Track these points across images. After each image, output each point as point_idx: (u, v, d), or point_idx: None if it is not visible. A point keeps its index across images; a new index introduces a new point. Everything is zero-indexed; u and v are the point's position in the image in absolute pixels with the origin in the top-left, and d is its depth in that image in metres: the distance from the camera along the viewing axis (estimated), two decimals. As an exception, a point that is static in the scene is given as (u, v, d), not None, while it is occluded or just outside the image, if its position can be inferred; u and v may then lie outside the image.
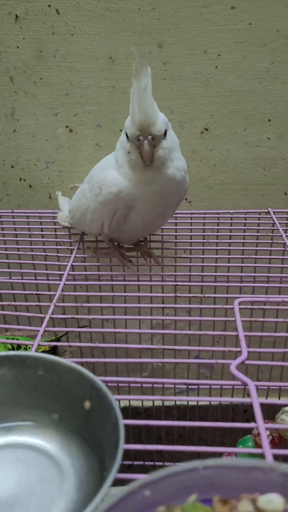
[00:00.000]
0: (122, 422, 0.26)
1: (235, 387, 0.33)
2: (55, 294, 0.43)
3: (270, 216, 0.61)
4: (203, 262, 0.51)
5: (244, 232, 0.59)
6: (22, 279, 0.54)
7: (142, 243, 0.53)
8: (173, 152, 0.44)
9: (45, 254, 0.55)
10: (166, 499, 0.20)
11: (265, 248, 0.55)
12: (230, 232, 0.58)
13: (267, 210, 0.64)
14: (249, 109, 0.70)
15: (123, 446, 0.24)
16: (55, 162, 0.73)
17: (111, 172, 0.46)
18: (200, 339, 0.68)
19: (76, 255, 0.52)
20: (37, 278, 0.56)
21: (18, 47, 0.66)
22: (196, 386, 0.68)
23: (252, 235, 0.59)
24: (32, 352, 0.31)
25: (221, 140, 0.72)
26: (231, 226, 0.62)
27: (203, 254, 0.55)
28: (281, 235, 0.55)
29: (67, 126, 0.71)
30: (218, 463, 0.21)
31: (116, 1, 0.64)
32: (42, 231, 0.61)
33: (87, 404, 0.28)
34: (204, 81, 0.68)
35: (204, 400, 0.68)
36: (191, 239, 0.58)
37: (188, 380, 0.35)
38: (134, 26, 0.65)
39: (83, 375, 0.29)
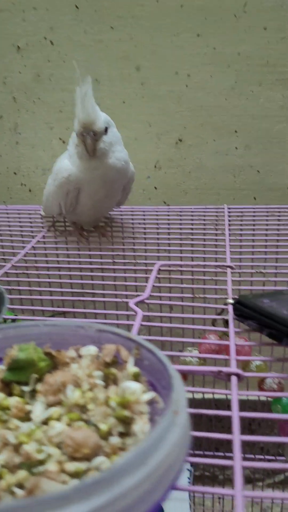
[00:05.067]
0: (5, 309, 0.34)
1: (129, 315, 0.40)
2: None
3: (223, 210, 0.69)
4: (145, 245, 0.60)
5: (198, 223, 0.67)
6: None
7: (102, 225, 0.63)
8: (114, 145, 0.55)
9: (22, 233, 0.66)
10: (12, 343, 0.28)
11: (212, 232, 0.62)
12: (181, 223, 0.67)
13: (223, 206, 0.71)
14: (218, 122, 0.79)
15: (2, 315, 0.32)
16: (50, 169, 0.85)
17: (64, 161, 0.57)
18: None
19: (45, 235, 0.62)
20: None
21: (20, 72, 0.80)
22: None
23: (200, 223, 0.66)
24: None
25: (194, 149, 0.81)
26: (192, 220, 0.70)
27: (158, 240, 0.63)
28: (224, 223, 0.63)
29: (60, 138, 0.83)
30: (54, 322, 0.29)
31: (100, 33, 0.77)
32: (30, 222, 0.72)
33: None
34: (176, 98, 0.79)
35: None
36: (158, 227, 0.66)
37: (95, 310, 0.43)
38: (115, 53, 0.77)
39: None
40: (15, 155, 0.85)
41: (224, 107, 0.78)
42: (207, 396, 0.77)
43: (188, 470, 0.71)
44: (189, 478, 0.70)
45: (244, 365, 0.45)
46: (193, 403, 0.27)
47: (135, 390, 0.24)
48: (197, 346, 0.45)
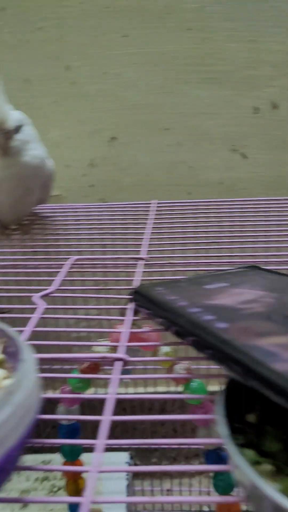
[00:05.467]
0: None
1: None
2: None
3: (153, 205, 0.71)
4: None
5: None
6: None
7: (26, 224, 0.64)
8: (29, 143, 0.56)
9: None
10: None
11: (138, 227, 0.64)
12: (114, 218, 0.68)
13: (153, 202, 0.73)
14: (149, 120, 0.81)
15: None
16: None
17: None
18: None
19: None
20: None
21: None
22: None
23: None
24: None
25: (127, 147, 0.82)
26: (124, 215, 0.71)
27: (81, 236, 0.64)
28: (147, 218, 0.64)
29: (-6, 139, 0.83)
30: None
31: (27, 33, 0.77)
32: None
33: None
34: (107, 97, 0.80)
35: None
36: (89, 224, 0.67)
37: None
38: (43, 53, 0.78)
39: None
40: None
41: (154, 106, 0.80)
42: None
43: (127, 463, 0.72)
44: (127, 474, 0.71)
45: (154, 353, 0.46)
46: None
47: (-3, 375, 0.25)
48: (109, 336, 0.46)
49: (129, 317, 0.39)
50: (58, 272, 0.49)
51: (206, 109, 0.80)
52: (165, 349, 0.46)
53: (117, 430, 0.84)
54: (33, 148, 0.56)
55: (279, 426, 0.24)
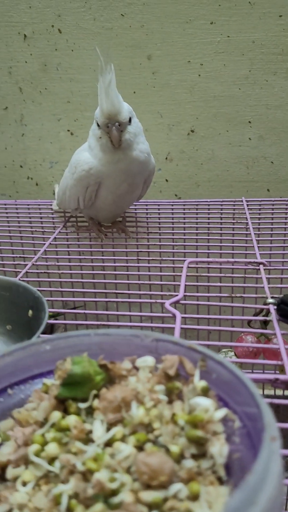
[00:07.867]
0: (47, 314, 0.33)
1: (165, 318, 0.38)
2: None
3: (242, 203, 0.67)
4: (173, 241, 0.58)
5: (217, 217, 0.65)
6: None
7: (120, 221, 0.61)
8: (137, 136, 0.52)
9: (42, 230, 0.63)
10: (63, 355, 0.26)
11: (229, 226, 0.60)
12: (196, 216, 0.65)
13: (241, 199, 0.70)
14: (231, 112, 0.77)
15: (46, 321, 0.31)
16: (58, 162, 0.82)
17: (84, 154, 0.54)
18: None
19: (61, 231, 0.60)
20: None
21: (26, 62, 0.77)
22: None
23: (220, 217, 0.64)
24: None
25: (206, 141, 0.79)
26: (208, 214, 0.68)
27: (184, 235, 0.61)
28: (246, 217, 0.61)
29: (68, 130, 0.80)
30: (106, 332, 0.27)
31: (109, 20, 0.74)
32: (41, 217, 0.69)
33: (30, 312, 0.35)
34: (189, 88, 0.76)
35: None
36: (173, 222, 0.64)
37: (132, 313, 0.40)
38: (125, 41, 0.74)
39: (27, 288, 0.36)
40: (20, 147, 0.82)
41: (237, 97, 0.76)
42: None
43: None
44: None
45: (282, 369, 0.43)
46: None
47: (207, 407, 0.22)
48: (234, 349, 0.43)
49: (278, 330, 0.36)
50: (175, 275, 0.46)
51: (293, 101, 0.75)
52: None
53: None
54: (141, 141, 0.53)
55: None
